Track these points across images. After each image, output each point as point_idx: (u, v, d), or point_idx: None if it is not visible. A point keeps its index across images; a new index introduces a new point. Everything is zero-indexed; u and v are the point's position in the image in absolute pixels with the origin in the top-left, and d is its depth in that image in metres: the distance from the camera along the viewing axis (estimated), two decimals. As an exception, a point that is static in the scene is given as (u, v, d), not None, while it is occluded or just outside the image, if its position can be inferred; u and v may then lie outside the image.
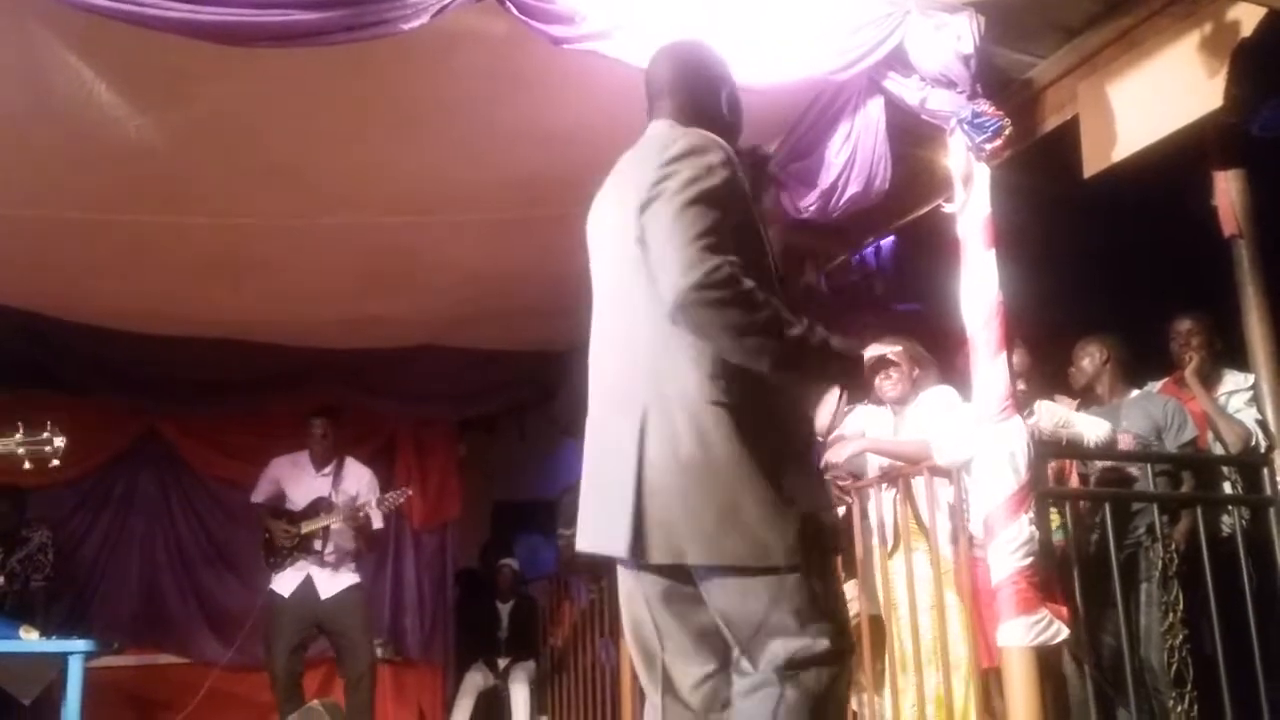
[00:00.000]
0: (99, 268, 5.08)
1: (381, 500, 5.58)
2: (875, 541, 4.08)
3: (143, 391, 6.45)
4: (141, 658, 6.48)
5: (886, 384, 4.19)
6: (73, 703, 5.26)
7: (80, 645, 5.36)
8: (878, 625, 4.12)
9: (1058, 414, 4.08)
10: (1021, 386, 4.23)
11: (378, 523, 5.69)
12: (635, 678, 6.00)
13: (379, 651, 6.70)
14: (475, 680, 6.80)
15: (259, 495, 5.76)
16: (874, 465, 4.21)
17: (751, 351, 2.02)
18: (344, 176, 4.25)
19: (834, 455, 4.12)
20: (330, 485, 5.62)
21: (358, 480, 5.65)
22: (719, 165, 2.10)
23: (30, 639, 5.31)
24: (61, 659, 5.30)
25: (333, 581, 5.50)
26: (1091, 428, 4.00)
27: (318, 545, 5.51)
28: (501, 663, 6.88)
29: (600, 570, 6.52)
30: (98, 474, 6.72)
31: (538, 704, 6.92)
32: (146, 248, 4.82)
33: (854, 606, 4.36)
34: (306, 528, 5.51)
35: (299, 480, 5.69)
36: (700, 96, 2.35)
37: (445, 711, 6.79)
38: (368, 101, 3.83)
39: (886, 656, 4.03)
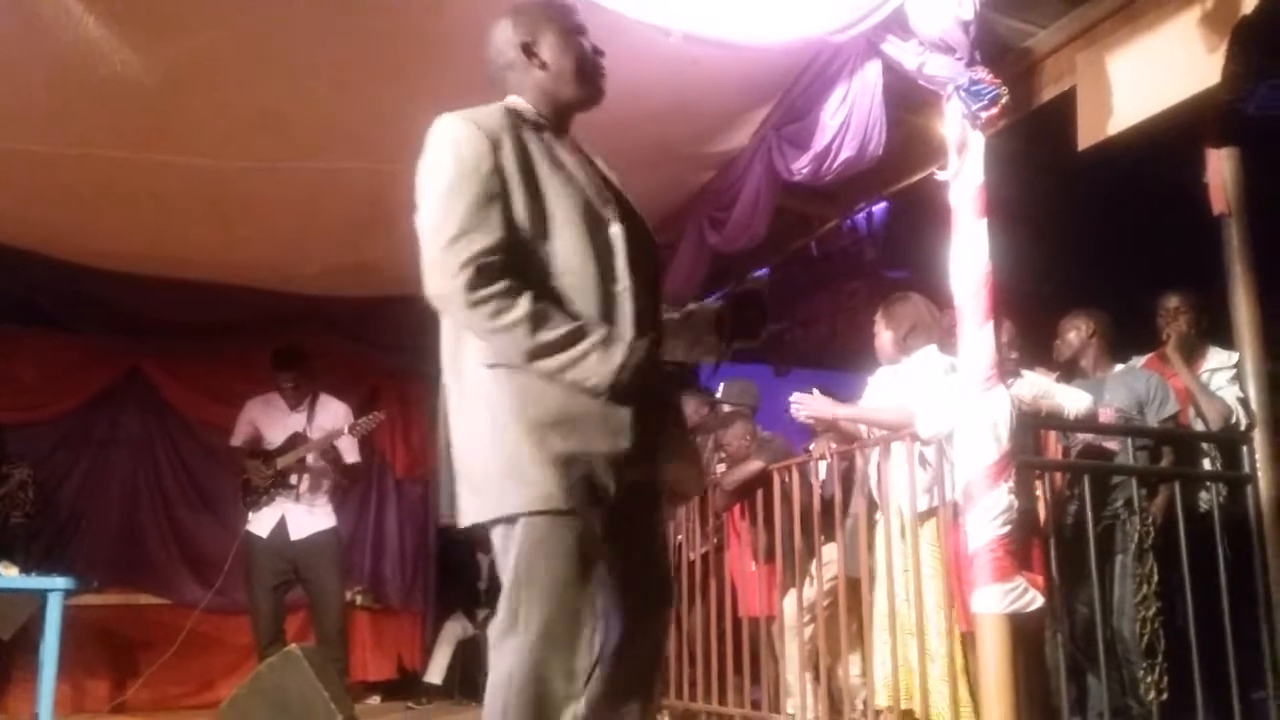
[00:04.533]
0: (83, 204, 5.04)
1: (354, 426, 5.50)
2: (858, 508, 4.12)
3: (127, 331, 6.42)
4: (122, 597, 6.48)
5: (877, 344, 4.25)
6: (51, 640, 5.28)
7: (60, 583, 5.37)
8: (855, 589, 4.17)
9: (1039, 385, 4.10)
10: (1014, 355, 4.26)
11: (352, 455, 5.65)
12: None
13: (357, 599, 6.74)
14: (454, 630, 6.84)
15: (237, 439, 5.75)
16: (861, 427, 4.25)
17: (500, 350, 2.03)
18: (334, 121, 4.21)
19: (801, 410, 4.13)
20: (305, 421, 5.61)
21: (333, 415, 5.60)
22: (455, 148, 2.06)
23: (10, 575, 5.31)
24: (41, 596, 5.31)
25: (306, 522, 5.49)
26: (1072, 400, 4.02)
27: (293, 480, 5.51)
28: (480, 613, 6.92)
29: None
30: (79, 412, 6.68)
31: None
32: (131, 186, 4.78)
33: (831, 569, 4.42)
34: (281, 463, 5.51)
35: (273, 419, 5.68)
36: (495, 63, 2.24)
37: (424, 659, 6.83)
38: (359, 44, 3.79)
39: (862, 620, 4.08)
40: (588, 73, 2.21)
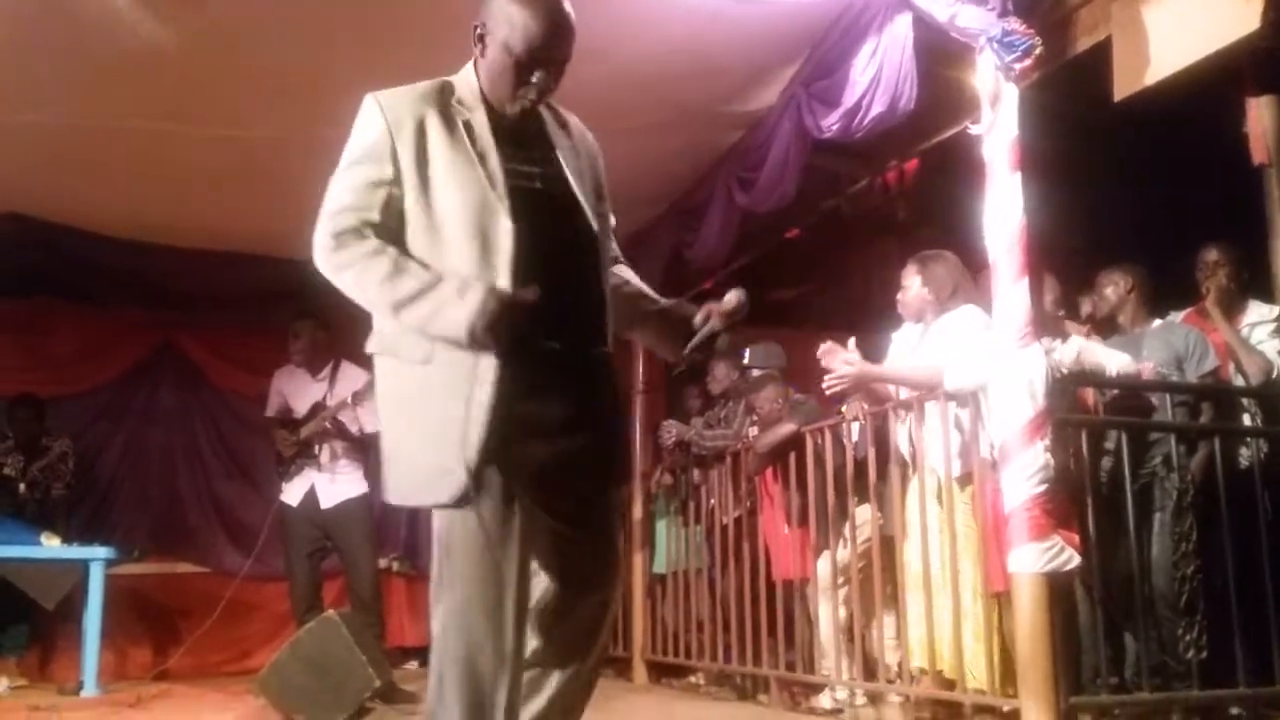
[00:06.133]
0: (114, 176, 5.07)
1: (358, 394, 5.36)
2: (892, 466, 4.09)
3: (159, 304, 6.49)
4: (162, 566, 6.60)
5: (899, 300, 4.22)
6: (94, 608, 5.38)
7: (101, 552, 5.46)
8: (889, 548, 4.14)
9: (1080, 345, 4.04)
10: (1061, 314, 4.21)
11: (364, 424, 5.48)
12: (647, 597, 6.12)
13: (393, 565, 6.79)
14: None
15: (270, 409, 5.78)
16: (892, 388, 4.21)
17: (372, 306, 2.12)
18: (360, 86, 4.18)
19: (828, 380, 4.08)
20: (327, 388, 5.62)
21: (353, 382, 5.48)
22: (359, 131, 2.15)
23: (52, 545, 5.40)
24: (83, 565, 5.41)
25: (334, 490, 5.50)
26: (1114, 361, 3.97)
27: (316, 450, 5.54)
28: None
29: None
30: (116, 385, 6.78)
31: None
32: (160, 157, 4.80)
33: (865, 531, 4.40)
34: (305, 433, 5.54)
35: (299, 388, 5.70)
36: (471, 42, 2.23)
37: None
38: (381, 13, 3.76)
39: (896, 580, 4.06)
40: (514, 93, 2.16)
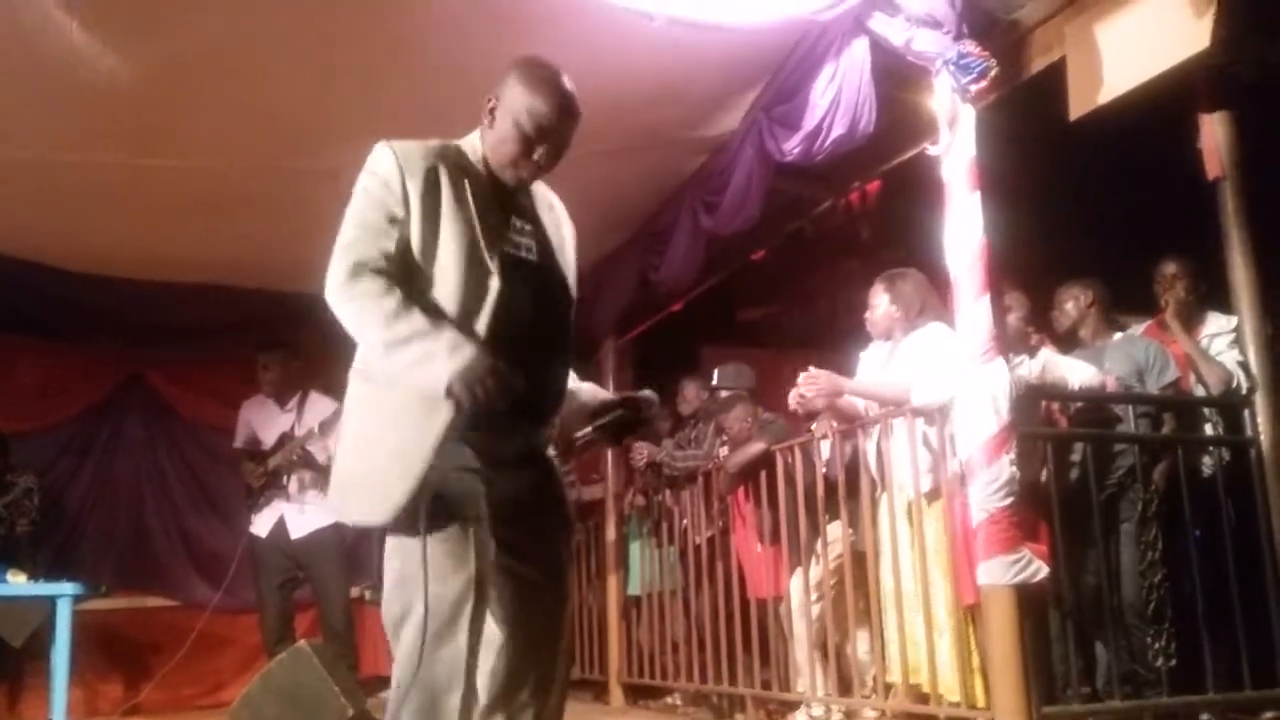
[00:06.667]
0: (77, 211, 5.03)
1: (323, 425, 5.36)
2: (864, 483, 4.12)
3: (126, 337, 6.44)
4: (130, 600, 6.51)
5: (867, 319, 4.28)
6: (61, 645, 5.30)
7: (68, 588, 5.39)
8: (861, 563, 4.17)
9: (1045, 360, 4.09)
10: (1030, 330, 4.27)
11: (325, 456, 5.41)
12: (622, 619, 6.11)
13: (365, 595, 6.75)
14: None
15: (238, 440, 5.77)
16: (861, 405, 4.25)
17: (367, 342, 2.18)
18: (321, 117, 4.20)
19: (803, 392, 4.12)
20: (294, 419, 5.60)
21: (320, 412, 5.49)
22: (373, 171, 2.22)
23: (18, 582, 5.32)
24: (49, 602, 5.33)
25: (303, 521, 5.47)
26: (1077, 373, 4.02)
27: (284, 480, 5.51)
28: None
29: (587, 513, 6.58)
30: (82, 419, 6.70)
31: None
32: (123, 191, 4.77)
33: (836, 548, 4.43)
34: (272, 464, 5.51)
35: (267, 419, 5.68)
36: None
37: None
38: (342, 38, 3.77)
39: (870, 596, 4.08)
40: (515, 162, 2.28)
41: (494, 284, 2.17)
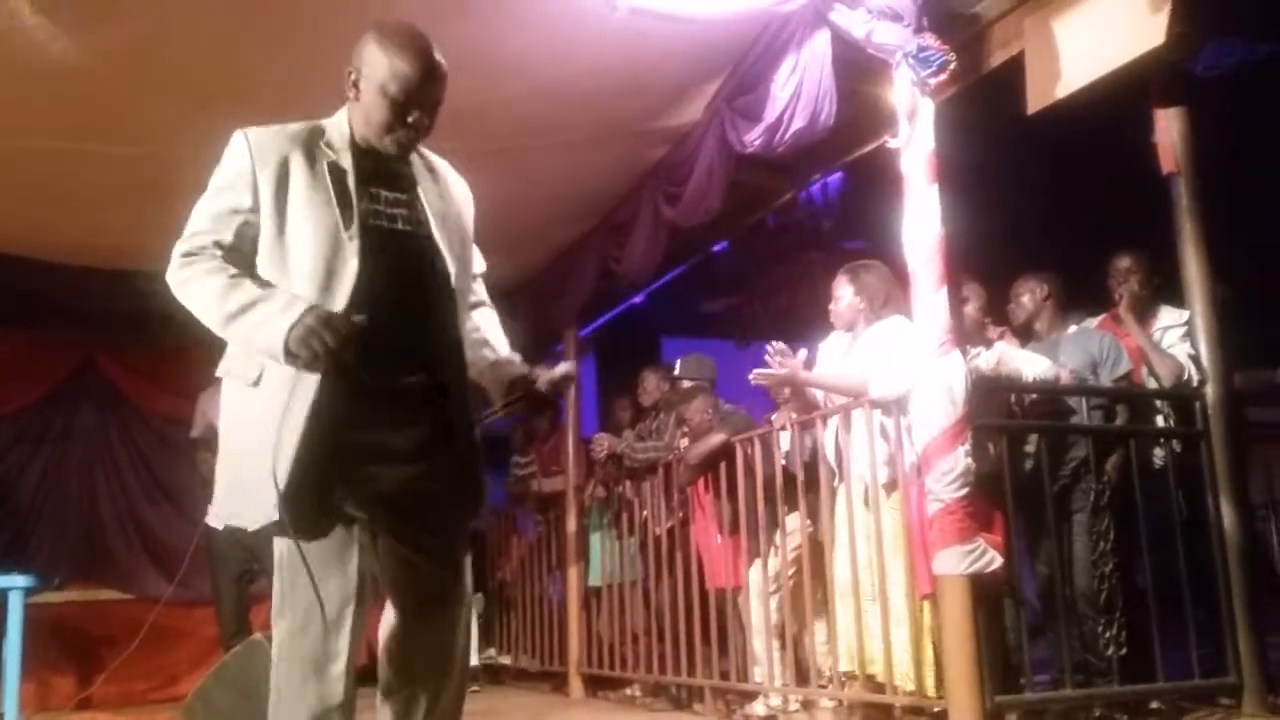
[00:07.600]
0: (26, 197, 4.96)
1: None
2: (823, 473, 4.14)
3: (79, 325, 6.34)
4: (83, 593, 6.44)
5: (831, 310, 4.28)
6: (13, 638, 5.22)
7: (20, 581, 5.30)
8: (819, 554, 4.19)
9: (999, 352, 4.13)
10: (988, 321, 4.30)
11: None
12: (582, 610, 6.12)
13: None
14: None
15: (195, 430, 5.72)
16: (820, 396, 4.27)
17: (209, 323, 2.20)
18: (275, 100, 4.13)
19: (760, 377, 4.15)
20: None
21: None
22: (225, 161, 2.24)
23: (-32, 575, 5.24)
24: (1, 595, 5.24)
25: None
26: (1031, 365, 4.06)
27: None
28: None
29: (548, 504, 6.58)
30: (35, 408, 6.62)
31: (484, 637, 6.99)
32: (73, 176, 4.71)
33: (795, 539, 4.45)
34: None
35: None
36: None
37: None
38: (299, 26, 3.73)
39: (826, 586, 4.11)
40: (390, 129, 2.22)
41: (352, 265, 2.13)
